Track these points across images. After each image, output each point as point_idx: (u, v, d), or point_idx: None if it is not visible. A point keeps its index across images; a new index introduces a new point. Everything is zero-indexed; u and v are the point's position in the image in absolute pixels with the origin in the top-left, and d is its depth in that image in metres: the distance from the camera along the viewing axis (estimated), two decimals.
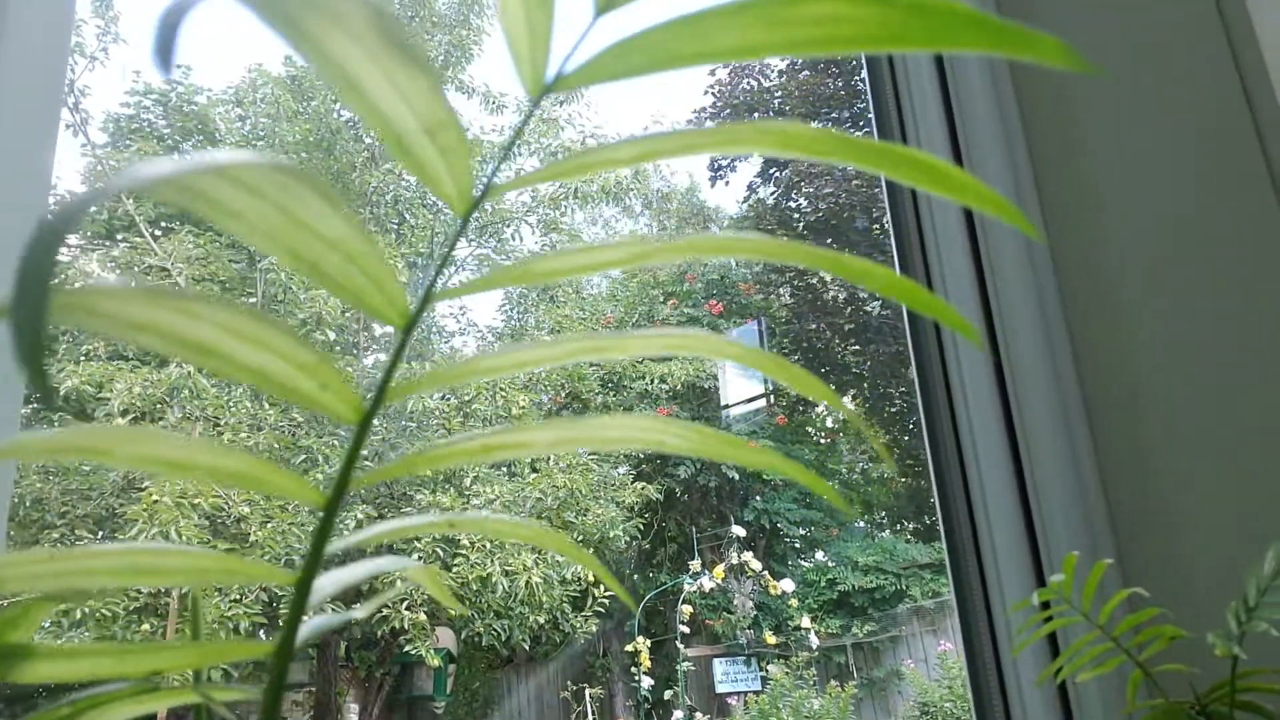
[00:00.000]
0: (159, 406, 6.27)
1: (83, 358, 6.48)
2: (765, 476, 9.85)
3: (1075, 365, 0.95)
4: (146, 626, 5.65)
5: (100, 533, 6.01)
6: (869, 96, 1.12)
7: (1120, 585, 0.87)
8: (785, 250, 0.36)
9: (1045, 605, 0.82)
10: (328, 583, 0.37)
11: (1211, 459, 0.88)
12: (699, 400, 10.00)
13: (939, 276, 1.01)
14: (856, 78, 10.34)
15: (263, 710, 0.33)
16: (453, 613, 6.56)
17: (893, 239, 1.08)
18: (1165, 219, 0.94)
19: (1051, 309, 0.97)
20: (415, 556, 6.27)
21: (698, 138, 0.33)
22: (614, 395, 9.76)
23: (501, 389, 7.34)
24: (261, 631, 6.48)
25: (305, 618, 0.36)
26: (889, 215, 1.09)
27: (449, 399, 7.32)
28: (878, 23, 0.28)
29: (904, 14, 0.28)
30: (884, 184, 1.12)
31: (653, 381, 9.43)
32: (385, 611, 6.24)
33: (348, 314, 7.25)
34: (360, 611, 0.43)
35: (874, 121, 1.11)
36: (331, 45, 0.24)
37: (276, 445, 6.35)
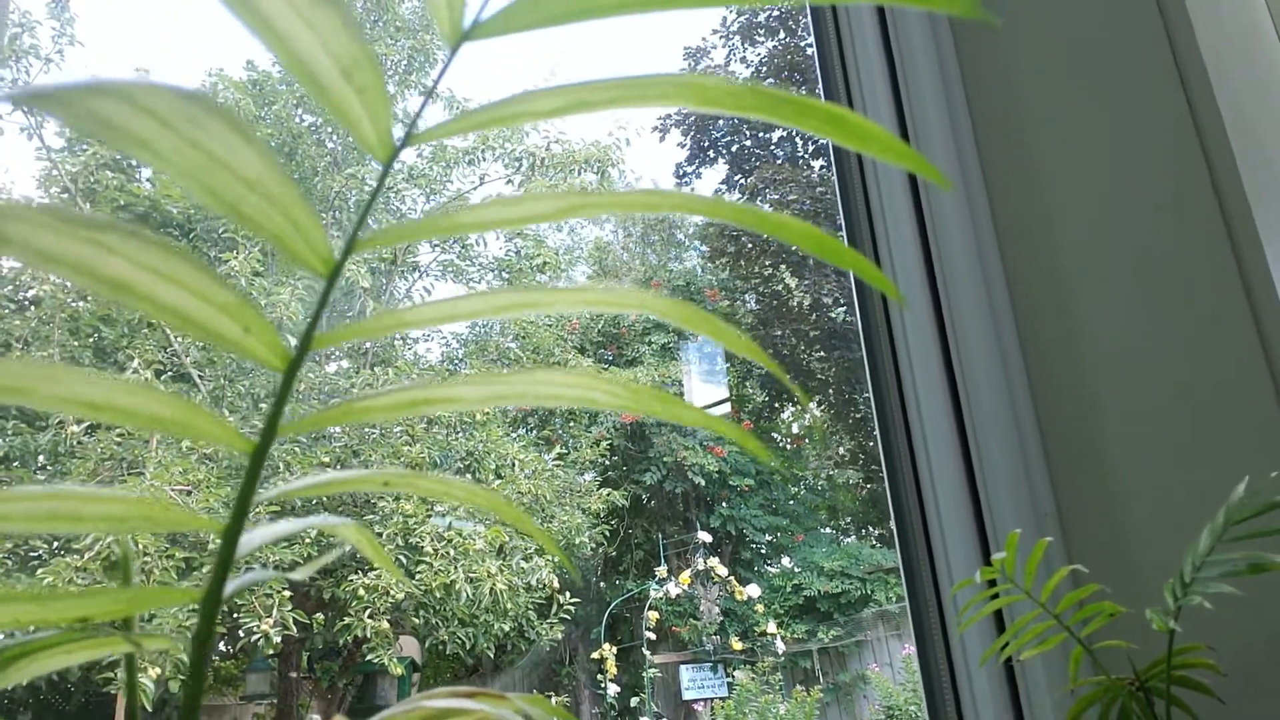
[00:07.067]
0: None
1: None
2: (731, 483, 9.88)
3: (1021, 349, 0.97)
4: None
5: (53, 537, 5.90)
6: (820, 83, 1.14)
7: (1065, 563, 0.89)
8: (707, 205, 0.37)
9: (991, 584, 0.84)
10: (258, 536, 0.37)
11: (1153, 440, 0.90)
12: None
13: (888, 262, 1.02)
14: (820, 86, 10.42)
15: (190, 661, 0.34)
16: (416, 620, 6.50)
17: (843, 226, 1.10)
18: (1111, 207, 0.97)
19: (999, 296, 0.99)
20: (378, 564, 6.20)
21: (621, 90, 0.34)
22: None
23: None
24: (221, 643, 6.39)
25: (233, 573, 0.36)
26: (840, 208, 1.11)
27: None
28: None
29: None
30: (835, 176, 1.14)
31: None
32: (347, 620, 6.17)
33: (308, 317, 7.18)
34: (299, 573, 0.43)
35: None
36: None
37: (235, 450, 6.26)
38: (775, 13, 10.93)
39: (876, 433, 1.03)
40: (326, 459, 6.49)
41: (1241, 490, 0.72)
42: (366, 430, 6.87)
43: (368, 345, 8.16)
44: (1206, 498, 0.86)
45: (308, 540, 5.88)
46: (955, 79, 1.04)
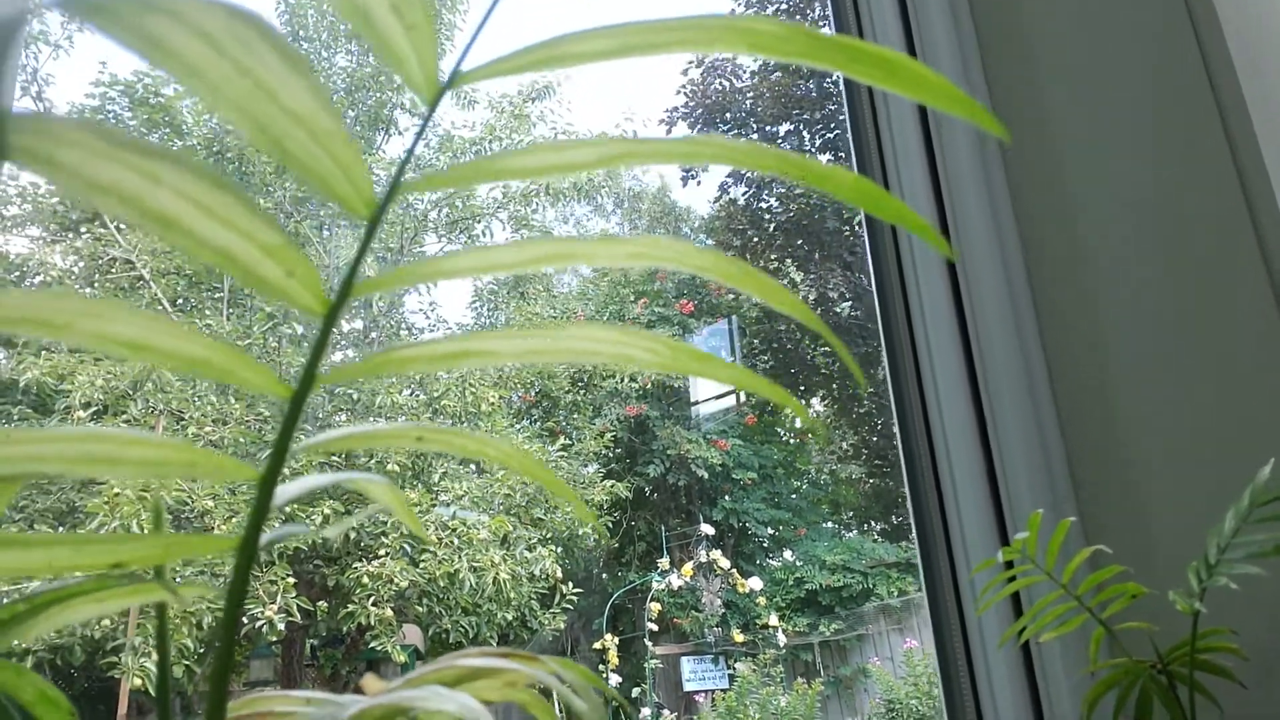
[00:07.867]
0: (122, 400, 6.18)
1: (44, 349, 6.38)
2: (734, 476, 9.88)
3: (1039, 326, 0.96)
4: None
5: (60, 527, 5.91)
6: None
7: (1083, 544, 0.88)
8: (751, 155, 0.36)
9: (1009, 565, 0.83)
10: (293, 487, 0.37)
11: (1174, 418, 0.90)
12: (669, 399, 10.02)
13: (906, 241, 1.02)
14: (827, 80, 10.40)
15: (226, 606, 0.33)
16: (419, 608, 6.51)
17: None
18: (1127, 179, 0.96)
19: (1017, 274, 0.98)
20: (383, 552, 6.22)
21: (673, 32, 0.33)
22: (584, 393, 9.76)
23: (471, 385, 7.30)
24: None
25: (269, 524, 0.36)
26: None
27: (418, 395, 7.27)
28: None
29: None
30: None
31: (622, 380, 9.45)
32: (351, 607, 6.18)
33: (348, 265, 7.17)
34: (329, 531, 0.43)
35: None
36: None
37: (242, 439, 6.28)
38: (783, 6, 10.89)
39: (893, 412, 1.02)
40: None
41: (1267, 472, 0.72)
42: (372, 421, 6.88)
43: (374, 335, 8.16)
44: (1226, 479, 0.86)
45: (313, 523, 5.88)
46: (974, 55, 1.04)
